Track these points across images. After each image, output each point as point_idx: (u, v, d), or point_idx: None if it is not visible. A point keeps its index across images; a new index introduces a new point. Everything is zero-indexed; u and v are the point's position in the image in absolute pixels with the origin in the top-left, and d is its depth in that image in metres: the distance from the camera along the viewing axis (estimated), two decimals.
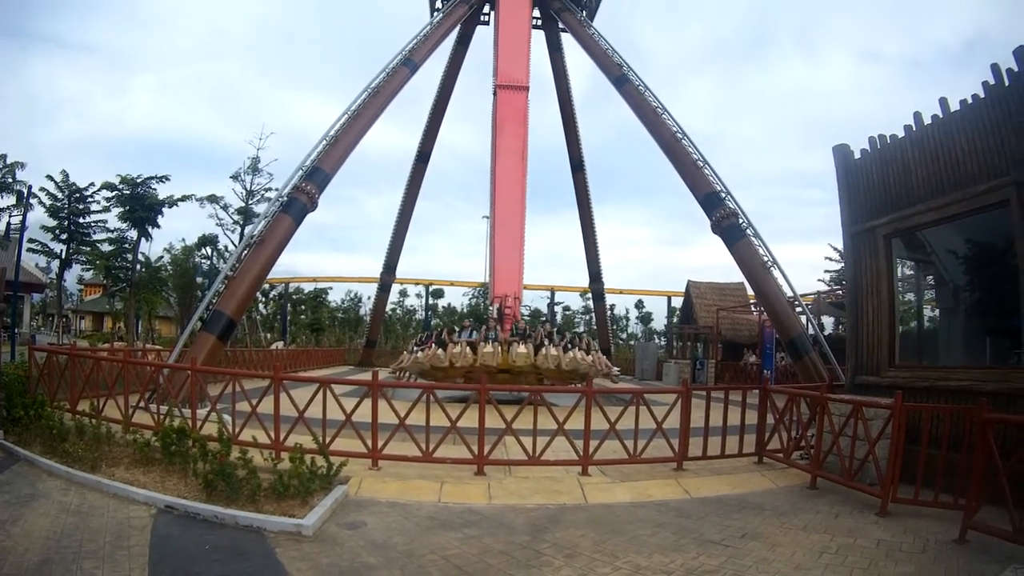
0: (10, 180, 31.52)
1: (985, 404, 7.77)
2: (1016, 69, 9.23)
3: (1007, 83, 9.41)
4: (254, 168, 37.34)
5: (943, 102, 10.63)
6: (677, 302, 51.36)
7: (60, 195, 33.18)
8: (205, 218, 40.98)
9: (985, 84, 9.80)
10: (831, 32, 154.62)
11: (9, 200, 31.80)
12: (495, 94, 29.33)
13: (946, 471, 8.38)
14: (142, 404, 11.70)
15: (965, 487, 7.74)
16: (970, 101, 10.09)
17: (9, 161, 32.14)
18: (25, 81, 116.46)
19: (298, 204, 20.80)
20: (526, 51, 30.49)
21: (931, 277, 13.08)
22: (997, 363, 10.24)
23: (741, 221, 22.59)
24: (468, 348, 20.64)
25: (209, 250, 42.28)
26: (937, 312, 13.20)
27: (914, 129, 11.22)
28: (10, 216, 31.26)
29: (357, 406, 10.32)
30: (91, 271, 41.55)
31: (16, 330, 28.92)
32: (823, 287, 43.77)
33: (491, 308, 25.82)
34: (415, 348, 22.41)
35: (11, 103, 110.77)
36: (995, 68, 9.59)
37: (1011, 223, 9.19)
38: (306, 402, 10.27)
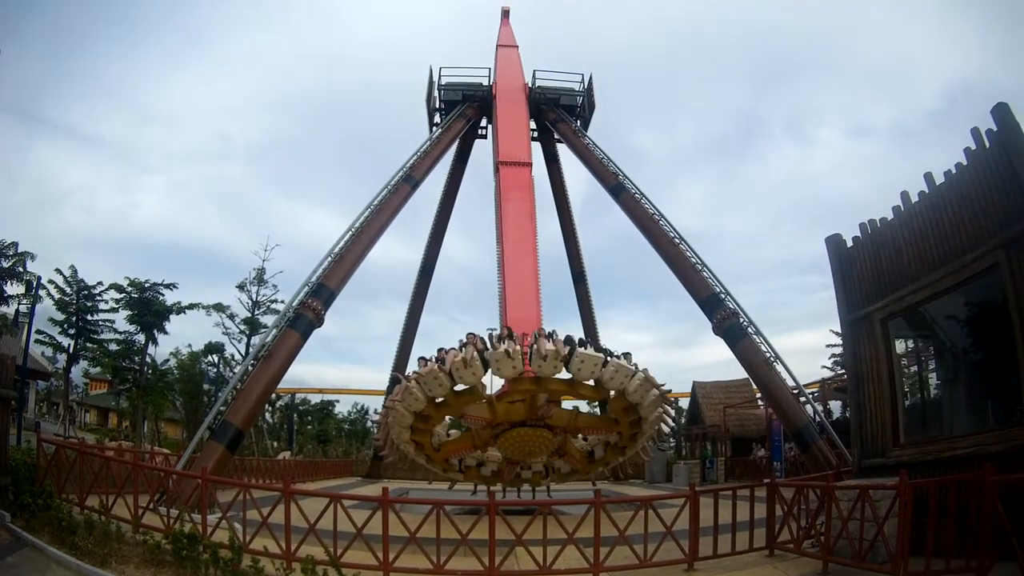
0: (20, 269, 31.92)
1: (988, 469, 7.88)
2: (996, 128, 9.61)
3: (988, 144, 9.77)
4: (259, 279, 38.12)
5: (928, 177, 10.99)
6: (684, 402, 50.91)
7: (68, 290, 33.65)
8: (211, 325, 41.47)
9: (967, 150, 10.16)
10: (820, 114, 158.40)
11: (18, 288, 32.18)
12: (496, 171, 27.63)
13: (957, 538, 8.34)
14: (151, 506, 11.79)
15: (975, 550, 7.77)
16: (954, 171, 10.45)
17: (20, 250, 32.68)
18: (34, 166, 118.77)
19: (305, 320, 21.22)
20: (526, 133, 31.01)
21: (932, 348, 13.15)
22: (1000, 423, 10.28)
23: (742, 320, 22.92)
24: (476, 355, 15.59)
25: (215, 358, 42.63)
26: (940, 383, 13.24)
27: (902, 209, 11.60)
28: (19, 304, 31.60)
29: (368, 519, 10.32)
30: (98, 368, 41.59)
31: (22, 414, 28.89)
32: (827, 372, 43.60)
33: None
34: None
35: (19, 187, 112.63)
36: (975, 132, 9.96)
37: (1003, 284, 9.46)
38: (317, 514, 10.30)
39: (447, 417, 18.69)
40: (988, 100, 9.79)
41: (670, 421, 18.81)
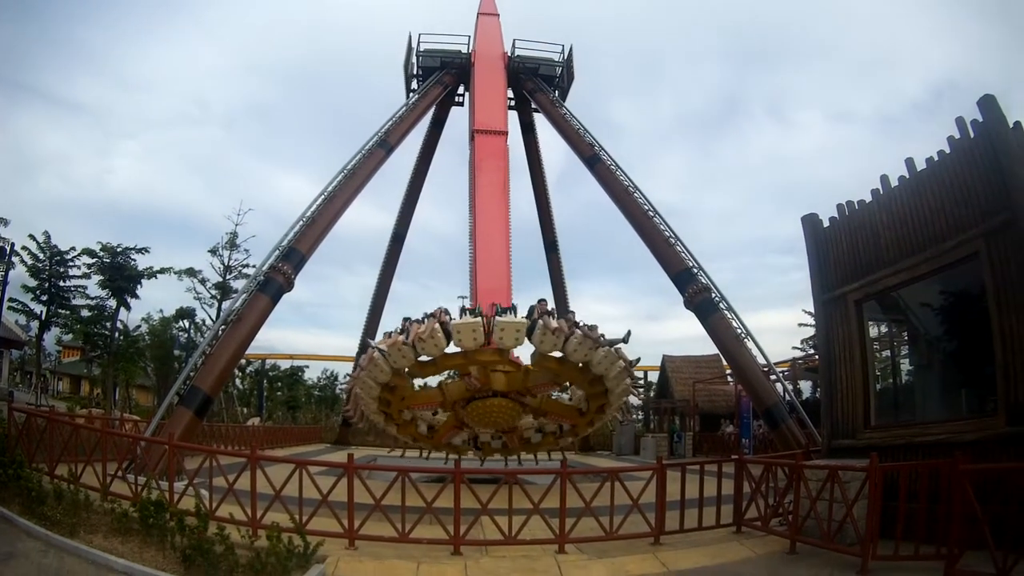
0: None
1: (960, 456, 7.96)
2: (981, 119, 9.64)
3: (972, 135, 9.82)
4: (232, 244, 37.54)
5: (909, 163, 11.02)
6: (654, 376, 51.26)
7: (41, 256, 33.04)
8: (183, 291, 40.94)
9: (950, 139, 10.20)
10: (802, 97, 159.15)
11: None
12: (472, 140, 27.88)
13: (927, 523, 8.50)
14: (120, 474, 11.72)
15: (946, 537, 7.88)
16: (936, 158, 10.50)
17: None
18: (13, 132, 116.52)
19: (275, 284, 20.95)
20: (503, 102, 30.77)
21: (906, 333, 13.32)
22: (974, 413, 10.41)
23: (714, 295, 22.91)
24: (439, 327, 15.21)
25: (187, 323, 42.21)
26: (913, 368, 13.39)
27: (881, 192, 11.63)
28: None
29: (334, 486, 10.33)
30: (71, 335, 41.03)
31: None
32: (799, 352, 44.05)
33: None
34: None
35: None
36: (960, 122, 10.01)
37: (981, 274, 9.54)
38: (283, 481, 10.28)
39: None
40: (973, 95, 9.81)
41: (638, 392, 18.29)
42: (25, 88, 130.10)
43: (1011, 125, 9.50)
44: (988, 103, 9.59)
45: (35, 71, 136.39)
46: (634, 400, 17.12)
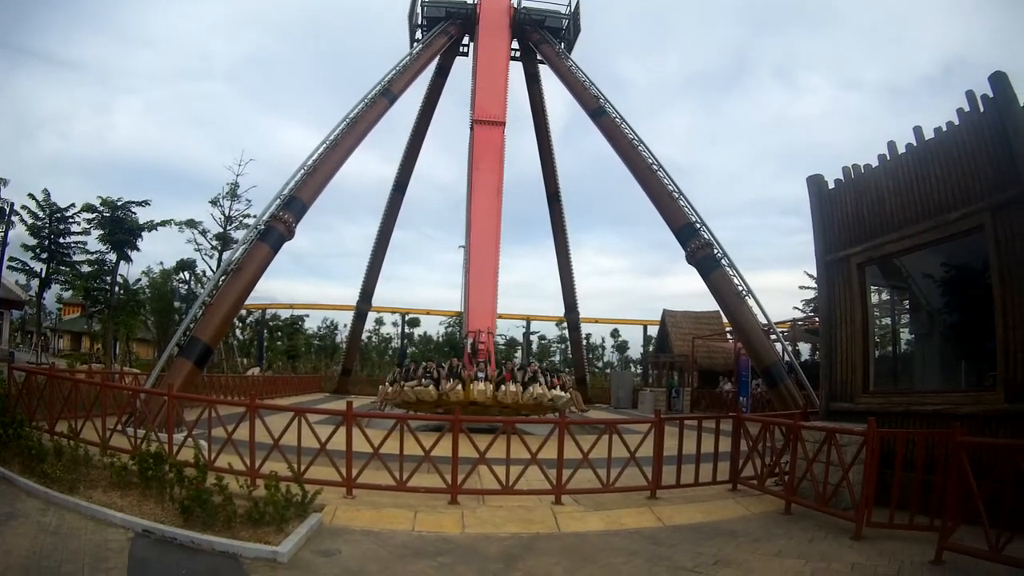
0: None
1: (958, 428, 7.93)
2: (991, 95, 9.48)
3: (982, 110, 9.66)
4: (233, 194, 37.27)
5: (917, 131, 10.86)
6: (653, 331, 51.45)
7: (41, 214, 32.85)
8: (184, 243, 40.86)
9: (960, 111, 10.04)
10: (811, 61, 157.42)
11: None
12: (472, 128, 29.62)
13: (922, 493, 8.48)
14: (119, 427, 11.79)
15: (940, 509, 7.85)
16: (945, 129, 10.34)
17: None
18: (13, 96, 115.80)
19: (275, 233, 20.85)
20: (503, 86, 30.81)
21: (907, 302, 13.28)
22: (973, 386, 10.39)
23: (716, 252, 22.83)
24: (433, 385, 21.64)
25: (187, 275, 42.18)
26: (913, 336, 13.37)
27: (888, 158, 11.48)
28: None
29: (332, 435, 10.37)
30: (70, 291, 41.04)
31: None
32: (799, 314, 44.15)
33: (466, 341, 25.91)
34: (400, 380, 22.75)
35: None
36: (970, 95, 9.83)
37: (986, 247, 9.44)
38: (281, 430, 10.29)
39: None
40: (984, 72, 9.67)
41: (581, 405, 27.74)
42: (26, 51, 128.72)
43: (1022, 104, 9.32)
44: (999, 79, 9.41)
45: (34, 33, 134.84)
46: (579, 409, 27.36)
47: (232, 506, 8.06)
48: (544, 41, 32.09)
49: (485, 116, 29.46)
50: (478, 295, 27.09)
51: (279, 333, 65.76)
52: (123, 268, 35.70)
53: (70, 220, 33.56)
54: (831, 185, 12.85)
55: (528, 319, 62.77)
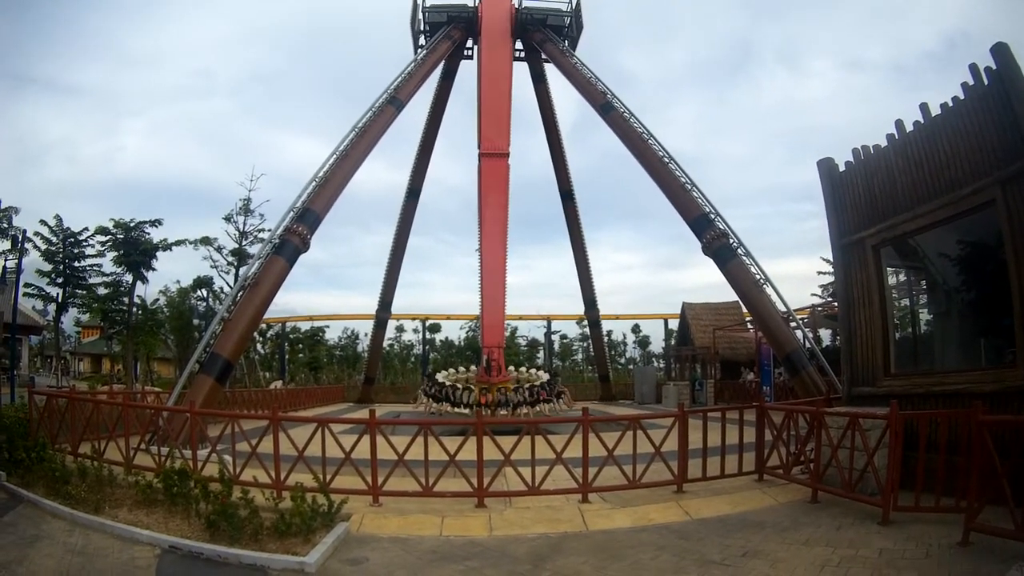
0: (5, 225, 31.47)
1: (980, 406, 7.82)
2: (995, 67, 9.39)
3: (986, 82, 9.57)
4: (246, 209, 37.43)
5: (924, 108, 10.79)
6: (674, 324, 51.20)
7: (54, 239, 33.20)
8: (199, 260, 41.13)
9: (964, 85, 9.97)
10: (814, 44, 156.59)
11: (4, 244, 31.77)
12: (480, 160, 30.63)
13: (946, 475, 8.40)
14: (143, 446, 11.85)
15: (966, 490, 7.77)
16: (951, 104, 10.26)
17: (3, 206, 32.06)
18: (16, 124, 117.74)
19: (290, 246, 20.90)
20: (507, 114, 31.15)
21: (924, 282, 13.11)
22: (993, 364, 10.27)
23: (732, 241, 22.64)
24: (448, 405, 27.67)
25: (205, 292, 42.56)
26: (931, 316, 13.23)
27: (896, 137, 11.42)
28: (5, 260, 31.16)
29: (356, 444, 10.40)
30: (88, 314, 41.43)
31: (15, 372, 28.87)
32: (818, 300, 43.81)
33: (483, 358, 28.97)
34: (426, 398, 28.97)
35: (3, 147, 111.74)
36: (974, 68, 9.74)
37: (998, 221, 9.34)
38: (305, 441, 10.34)
39: None
40: (987, 45, 9.54)
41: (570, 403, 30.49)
42: (27, 79, 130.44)
43: None
44: (1001, 50, 9.32)
45: (37, 62, 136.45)
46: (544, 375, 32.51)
47: (258, 519, 8.12)
48: (547, 40, 32.01)
49: (491, 149, 30.71)
50: (490, 314, 30.01)
51: (300, 345, 66.03)
52: (140, 288, 36.05)
53: (84, 243, 34.01)
54: (842, 168, 12.75)
55: (548, 319, 62.49)
